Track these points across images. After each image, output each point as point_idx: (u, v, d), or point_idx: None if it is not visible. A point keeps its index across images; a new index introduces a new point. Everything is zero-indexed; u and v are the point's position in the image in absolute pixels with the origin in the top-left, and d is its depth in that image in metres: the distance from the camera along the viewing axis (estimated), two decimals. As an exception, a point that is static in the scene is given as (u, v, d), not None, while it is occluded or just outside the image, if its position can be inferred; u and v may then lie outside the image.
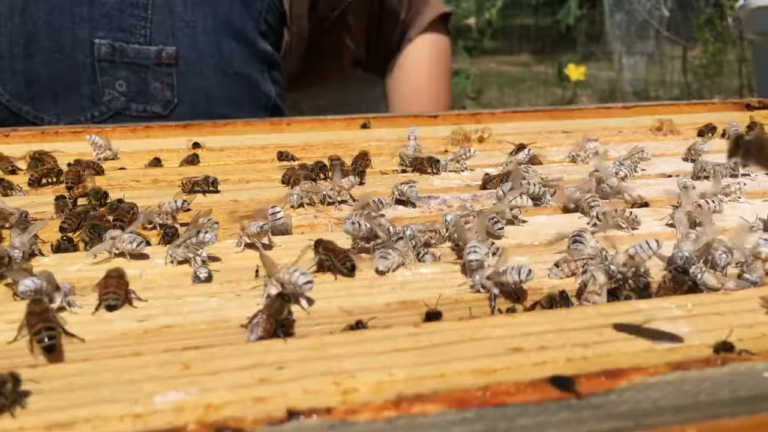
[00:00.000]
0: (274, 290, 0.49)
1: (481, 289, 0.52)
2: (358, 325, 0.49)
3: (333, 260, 0.54)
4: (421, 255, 0.59)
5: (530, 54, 8.00)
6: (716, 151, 0.97)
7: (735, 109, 1.32)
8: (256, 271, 0.57)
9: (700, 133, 1.05)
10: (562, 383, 0.37)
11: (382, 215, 0.67)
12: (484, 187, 0.80)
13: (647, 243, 0.53)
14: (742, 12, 3.43)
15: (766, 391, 0.36)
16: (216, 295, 0.52)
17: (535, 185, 0.72)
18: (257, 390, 0.39)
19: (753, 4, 3.23)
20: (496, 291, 0.52)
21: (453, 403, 0.36)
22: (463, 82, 5.27)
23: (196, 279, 0.54)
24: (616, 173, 0.75)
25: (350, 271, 0.54)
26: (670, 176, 0.85)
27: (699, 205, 0.64)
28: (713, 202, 0.64)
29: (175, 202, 0.65)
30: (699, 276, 0.52)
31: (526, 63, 8.04)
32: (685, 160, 0.91)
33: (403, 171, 0.88)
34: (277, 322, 0.47)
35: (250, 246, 0.61)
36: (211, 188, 0.77)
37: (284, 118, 1.21)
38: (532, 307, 0.51)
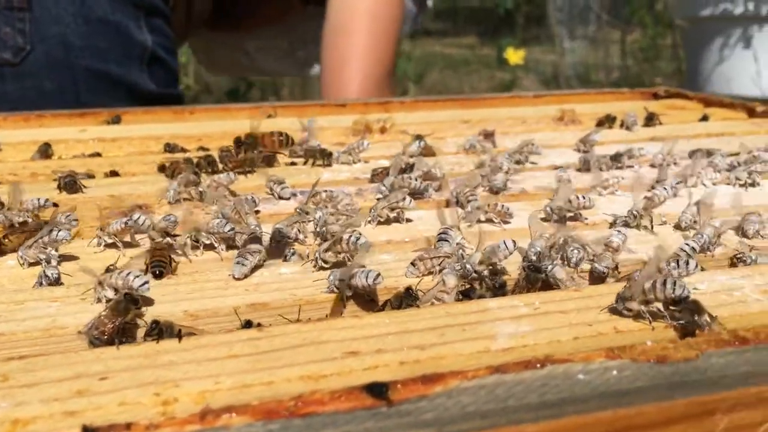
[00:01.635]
0: (110, 294, 0.48)
1: (335, 290, 0.52)
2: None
3: (147, 263, 0.53)
4: (287, 256, 0.58)
5: (476, 36, 8.04)
6: (610, 142, 0.99)
7: (643, 98, 1.35)
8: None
9: (599, 123, 1.07)
10: (376, 390, 0.37)
11: (257, 212, 0.66)
12: (372, 180, 0.79)
13: (504, 242, 0.53)
14: (670, -1, 3.47)
15: (575, 395, 0.37)
16: (59, 300, 0.50)
17: (416, 179, 0.72)
18: (71, 403, 0.38)
19: (678, -10, 3.28)
20: (348, 293, 0.51)
21: (261, 414, 0.35)
22: (405, 64, 5.25)
23: (45, 281, 0.52)
24: (500, 167, 0.75)
25: (156, 276, 0.53)
26: (560, 167, 0.86)
27: (569, 200, 0.65)
28: (583, 198, 0.65)
29: (38, 199, 0.63)
30: (549, 269, 0.53)
31: (472, 45, 8.08)
32: (577, 151, 0.92)
33: (293, 164, 0.87)
34: (117, 327, 0.46)
35: (112, 246, 0.59)
36: (70, 185, 0.72)
37: (187, 106, 1.18)
38: (383, 307, 0.50)
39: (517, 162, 0.85)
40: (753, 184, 0.75)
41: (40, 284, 0.52)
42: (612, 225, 0.66)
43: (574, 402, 0.36)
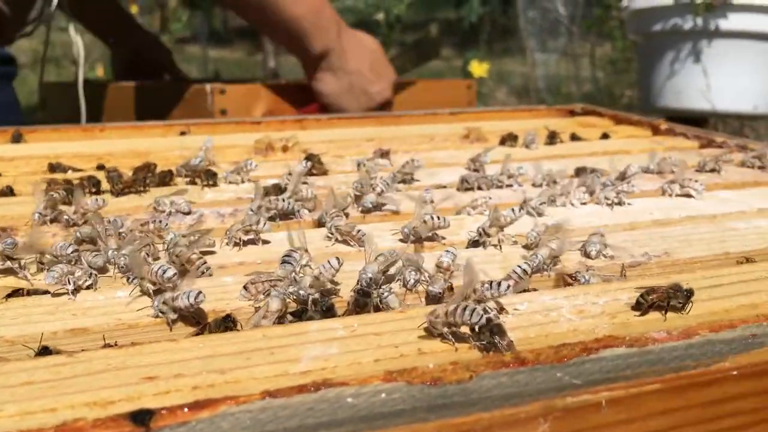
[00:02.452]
0: None
1: (160, 314, 0.52)
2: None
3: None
4: (130, 279, 0.58)
5: (451, 48, 8.11)
6: (508, 161, 1.01)
7: (560, 115, 1.37)
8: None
9: (502, 142, 1.09)
10: (139, 418, 0.38)
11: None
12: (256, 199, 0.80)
13: (329, 262, 0.54)
14: (625, 13, 3.56)
15: (336, 418, 0.38)
16: None
17: (285, 200, 0.73)
18: None
19: (633, 6, 3.35)
20: (173, 316, 0.52)
21: (18, 443, 0.36)
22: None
23: None
24: (373, 188, 0.77)
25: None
26: (444, 187, 0.88)
27: (424, 221, 0.66)
28: (438, 218, 0.66)
29: None
30: (385, 296, 0.54)
31: (447, 57, 8.15)
32: (468, 170, 0.94)
33: (193, 183, 0.87)
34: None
35: None
36: None
37: (98, 123, 1.18)
38: (201, 331, 0.51)
39: (402, 181, 0.87)
40: (620, 203, 0.77)
41: None
42: (471, 245, 0.67)
43: (330, 426, 0.37)
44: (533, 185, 0.86)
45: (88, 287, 0.55)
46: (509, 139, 1.08)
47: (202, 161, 0.88)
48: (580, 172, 0.88)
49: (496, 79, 9.60)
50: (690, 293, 0.51)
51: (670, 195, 0.81)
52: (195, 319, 0.53)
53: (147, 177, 0.85)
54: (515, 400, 0.39)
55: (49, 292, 0.56)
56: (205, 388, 0.43)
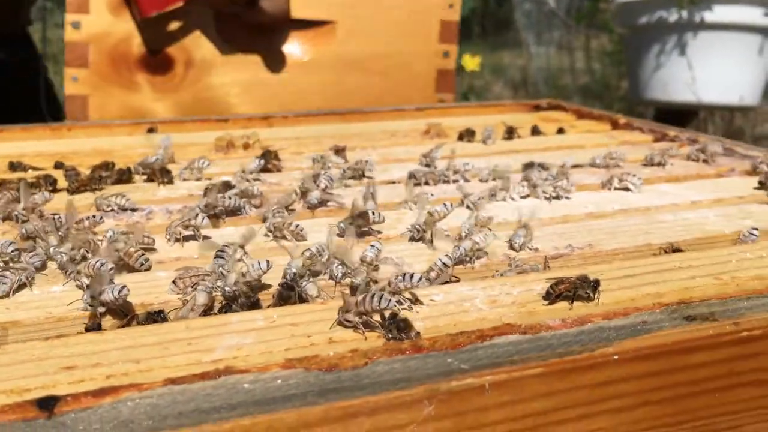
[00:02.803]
0: None
1: (88, 308, 0.55)
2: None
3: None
4: (68, 272, 0.61)
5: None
6: (463, 155, 1.03)
7: (525, 110, 1.39)
8: None
9: (460, 137, 1.11)
10: (44, 404, 0.40)
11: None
12: (204, 196, 0.82)
13: (258, 263, 0.57)
14: (612, 6, 3.58)
15: (231, 402, 0.40)
16: None
17: (231, 198, 0.75)
18: None
19: (619, 0, 3.36)
20: (101, 309, 0.54)
21: (-74, 427, 0.38)
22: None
23: None
24: (317, 184, 0.79)
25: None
26: (394, 183, 0.90)
27: (360, 216, 0.68)
28: (373, 214, 0.69)
29: None
30: (303, 285, 0.57)
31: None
32: (420, 165, 0.96)
33: (150, 180, 0.90)
34: None
35: None
36: None
37: (66, 122, 1.21)
38: (128, 323, 0.54)
39: (353, 177, 0.89)
40: (557, 197, 0.79)
41: None
42: (411, 239, 0.70)
43: (222, 410, 0.40)
44: (480, 180, 0.88)
45: (21, 286, 0.58)
46: (467, 134, 1.10)
47: (158, 159, 0.91)
48: (527, 167, 0.90)
49: (493, 72, 9.61)
50: (596, 284, 0.54)
51: (609, 189, 0.83)
52: (123, 313, 0.55)
53: (103, 175, 0.88)
54: (403, 384, 0.41)
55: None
56: (119, 377, 0.46)
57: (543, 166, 0.90)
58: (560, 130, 1.15)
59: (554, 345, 0.45)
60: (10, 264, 0.61)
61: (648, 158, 0.95)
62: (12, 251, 0.61)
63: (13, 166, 0.93)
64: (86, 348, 0.49)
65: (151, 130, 1.18)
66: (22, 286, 0.58)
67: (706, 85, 3.26)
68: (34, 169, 0.94)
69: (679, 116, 3.71)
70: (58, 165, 0.95)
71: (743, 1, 3.08)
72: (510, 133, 1.11)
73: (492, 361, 0.43)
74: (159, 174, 0.87)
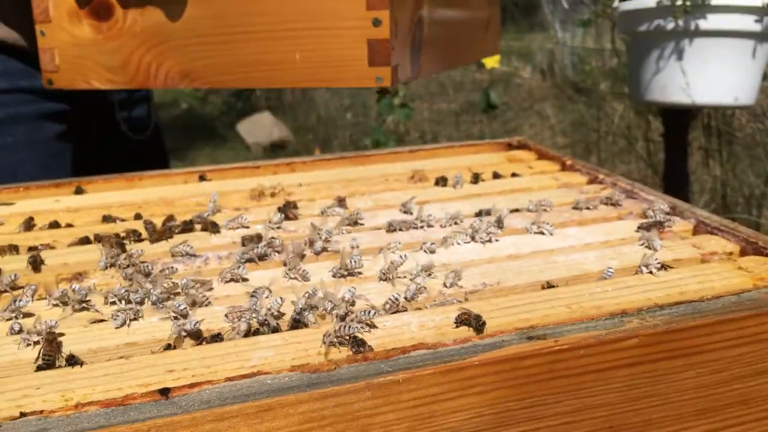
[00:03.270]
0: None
1: (177, 333, 0.90)
2: None
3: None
4: (159, 308, 0.96)
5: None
6: (437, 200, 1.36)
7: (499, 149, 1.71)
8: None
9: (436, 183, 1.44)
10: (164, 391, 0.75)
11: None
12: (243, 245, 1.17)
13: (278, 300, 0.91)
14: (615, 14, 3.86)
15: (257, 392, 0.74)
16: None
17: (261, 248, 1.10)
18: None
19: (621, 8, 3.65)
20: (183, 334, 0.89)
21: None
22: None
23: (11, 332, 0.91)
24: (320, 236, 1.13)
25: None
26: (379, 229, 1.24)
27: (347, 263, 1.03)
28: (356, 261, 1.02)
29: (11, 276, 1.02)
30: (306, 315, 0.91)
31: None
32: (401, 211, 1.29)
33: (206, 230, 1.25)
34: (49, 359, 0.84)
35: (57, 305, 0.98)
36: (34, 263, 1.11)
37: (136, 173, 1.57)
38: (200, 342, 0.88)
39: (349, 224, 1.23)
40: (490, 241, 1.12)
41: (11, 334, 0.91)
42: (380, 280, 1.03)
43: (248, 398, 0.74)
44: (440, 226, 1.21)
45: (132, 319, 0.93)
46: (441, 180, 1.43)
47: (209, 214, 1.26)
48: (476, 214, 1.23)
49: (520, 57, 9.80)
50: (479, 317, 0.87)
51: (529, 233, 1.16)
52: (196, 335, 0.90)
53: (172, 226, 1.23)
54: (354, 379, 0.75)
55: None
56: (199, 376, 0.80)
57: (488, 212, 1.22)
58: (514, 174, 1.47)
59: (444, 355, 0.79)
60: (123, 303, 0.96)
61: (574, 203, 1.27)
62: (123, 293, 0.97)
63: (106, 219, 1.29)
64: (178, 359, 0.84)
65: (202, 179, 1.53)
66: (132, 319, 0.93)
67: (702, 88, 3.53)
68: (121, 220, 1.30)
69: (683, 114, 3.98)
70: (138, 216, 1.31)
71: (735, 10, 3.33)
72: (476, 178, 1.44)
73: (406, 366, 0.77)
74: (210, 226, 1.23)
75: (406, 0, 1.22)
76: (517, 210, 1.26)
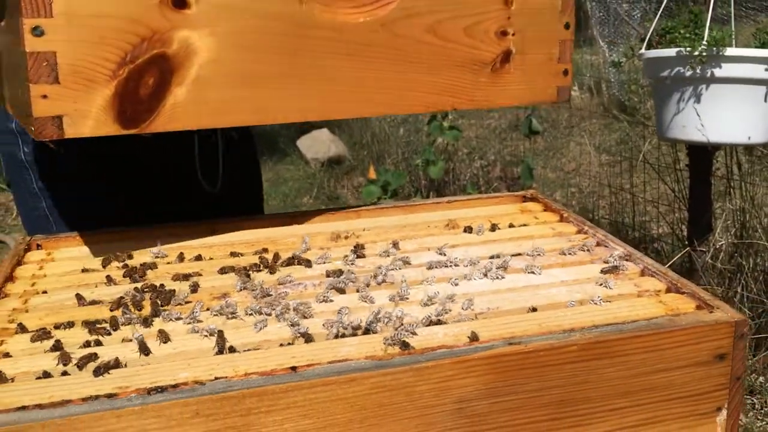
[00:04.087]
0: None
1: (294, 334, 1.45)
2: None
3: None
4: (281, 320, 1.52)
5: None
6: (465, 244, 1.88)
7: (515, 201, 2.23)
8: None
9: (464, 230, 1.97)
10: (293, 368, 1.29)
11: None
12: (328, 276, 1.72)
13: (354, 319, 1.46)
14: (641, 60, 4.38)
15: (349, 368, 1.28)
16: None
17: (342, 281, 1.65)
18: (208, 372, 1.33)
19: (644, 55, 4.17)
20: (299, 335, 1.45)
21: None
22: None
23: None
24: (380, 272, 1.67)
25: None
26: (422, 266, 1.77)
27: (400, 292, 1.57)
28: (403, 290, 1.56)
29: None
30: (374, 325, 1.45)
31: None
32: (437, 253, 1.82)
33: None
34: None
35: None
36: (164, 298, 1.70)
37: (258, 216, 2.13)
38: (307, 341, 1.43)
39: (402, 262, 1.77)
40: (498, 278, 1.65)
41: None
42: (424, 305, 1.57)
43: (352, 371, 1.28)
44: (464, 266, 1.75)
45: (265, 326, 1.49)
46: (468, 228, 1.96)
47: (302, 252, 1.83)
48: (491, 257, 1.76)
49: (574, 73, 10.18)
50: (474, 335, 1.39)
51: (525, 272, 1.68)
52: (307, 337, 1.45)
53: (279, 262, 1.79)
54: (401, 365, 1.29)
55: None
56: (303, 361, 1.35)
57: (498, 256, 1.75)
58: (523, 224, 1.99)
59: (457, 353, 1.32)
60: (257, 315, 1.52)
61: (560, 250, 1.79)
62: (257, 308, 1.52)
63: (233, 254, 1.87)
64: (297, 351, 1.38)
65: (293, 222, 2.10)
66: (264, 326, 1.49)
67: (718, 128, 4.00)
68: (243, 255, 1.88)
69: (704, 149, 4.42)
70: (257, 252, 1.88)
71: (747, 60, 3.80)
72: (493, 227, 1.96)
73: (433, 358, 1.30)
74: (305, 262, 1.79)
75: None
76: (519, 254, 1.78)
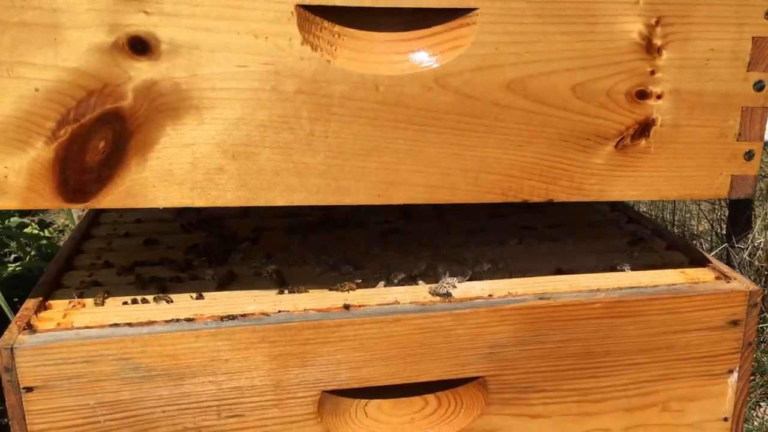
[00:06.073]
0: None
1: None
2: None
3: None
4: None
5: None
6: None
7: None
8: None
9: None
10: (346, 305, 1.47)
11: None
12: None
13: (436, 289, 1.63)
14: None
15: (394, 309, 1.45)
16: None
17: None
18: (272, 307, 1.51)
19: None
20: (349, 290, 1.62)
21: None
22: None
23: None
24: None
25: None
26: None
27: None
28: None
29: None
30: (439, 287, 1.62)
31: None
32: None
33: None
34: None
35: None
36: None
37: None
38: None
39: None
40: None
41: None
42: (461, 261, 1.73)
43: (398, 312, 1.45)
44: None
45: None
46: None
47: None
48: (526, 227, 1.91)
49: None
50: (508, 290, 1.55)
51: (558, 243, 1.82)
52: (357, 285, 1.62)
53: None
54: (443, 310, 1.45)
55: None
56: (363, 302, 1.52)
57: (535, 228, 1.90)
58: None
59: (493, 303, 1.48)
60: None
61: (591, 221, 1.93)
62: (325, 261, 1.70)
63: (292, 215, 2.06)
64: (350, 295, 1.56)
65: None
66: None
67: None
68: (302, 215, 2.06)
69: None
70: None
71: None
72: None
73: (471, 307, 1.46)
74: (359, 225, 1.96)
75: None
76: (558, 225, 1.93)
